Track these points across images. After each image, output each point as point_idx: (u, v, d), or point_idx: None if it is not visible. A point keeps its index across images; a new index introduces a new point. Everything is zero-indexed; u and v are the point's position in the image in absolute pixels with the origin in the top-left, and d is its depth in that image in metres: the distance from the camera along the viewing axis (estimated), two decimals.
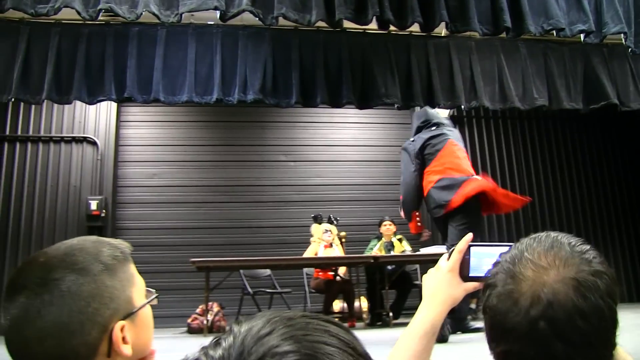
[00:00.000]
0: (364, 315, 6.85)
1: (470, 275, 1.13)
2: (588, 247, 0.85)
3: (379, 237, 7.10)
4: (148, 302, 0.99)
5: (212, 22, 5.99)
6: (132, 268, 0.99)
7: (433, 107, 7.05)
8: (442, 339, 3.86)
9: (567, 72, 7.26)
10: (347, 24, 5.93)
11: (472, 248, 1.13)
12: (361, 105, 6.66)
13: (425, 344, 1.09)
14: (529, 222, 9.13)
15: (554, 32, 6.28)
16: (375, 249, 6.80)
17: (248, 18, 5.61)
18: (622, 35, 6.41)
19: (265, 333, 0.54)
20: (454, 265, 1.14)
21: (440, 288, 1.14)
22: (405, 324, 1.22)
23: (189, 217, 8.15)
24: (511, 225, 9.06)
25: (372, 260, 6.17)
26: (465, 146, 9.16)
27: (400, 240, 6.95)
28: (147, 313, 0.99)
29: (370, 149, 9.06)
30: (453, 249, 1.16)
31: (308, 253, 6.65)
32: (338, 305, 7.01)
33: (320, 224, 6.89)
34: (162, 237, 7.94)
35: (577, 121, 9.47)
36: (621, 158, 9.81)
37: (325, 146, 8.94)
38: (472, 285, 1.13)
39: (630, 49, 6.39)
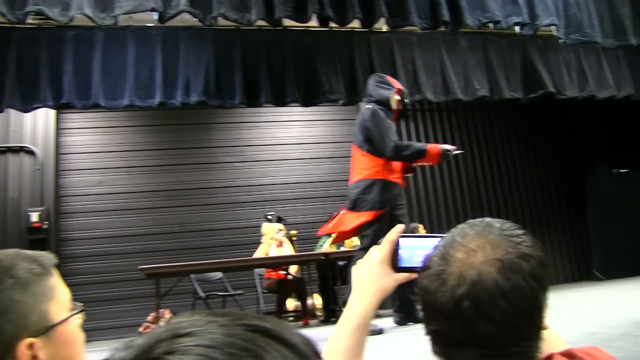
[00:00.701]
0: (318, 313, 6.86)
1: (400, 265, 1.12)
2: (519, 231, 0.87)
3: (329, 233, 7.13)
4: (69, 317, 0.94)
5: (151, 24, 5.85)
6: (53, 281, 0.94)
7: None
8: (378, 331, 3.79)
9: (506, 63, 7.47)
10: (291, 22, 5.93)
11: (401, 239, 1.13)
12: (306, 103, 6.67)
13: (358, 337, 1.08)
14: (476, 211, 9.33)
15: (491, 24, 6.45)
16: (326, 246, 6.81)
17: (188, 19, 5.52)
18: (553, 27, 6.64)
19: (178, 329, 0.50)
20: (384, 256, 1.13)
21: (370, 279, 1.13)
22: None
23: (137, 224, 7.96)
24: (459, 213, 9.24)
25: (322, 257, 6.17)
26: (410, 138, 9.35)
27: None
28: (69, 328, 0.94)
29: (316, 147, 9.06)
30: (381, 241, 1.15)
31: (258, 253, 6.61)
32: (292, 303, 6.99)
33: (271, 223, 6.85)
34: (109, 245, 7.72)
35: (517, 111, 9.72)
36: (559, 146, 10.13)
37: (272, 145, 8.88)
38: (403, 276, 1.12)
39: (561, 40, 6.62)
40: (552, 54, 7.70)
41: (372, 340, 3.65)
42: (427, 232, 7.60)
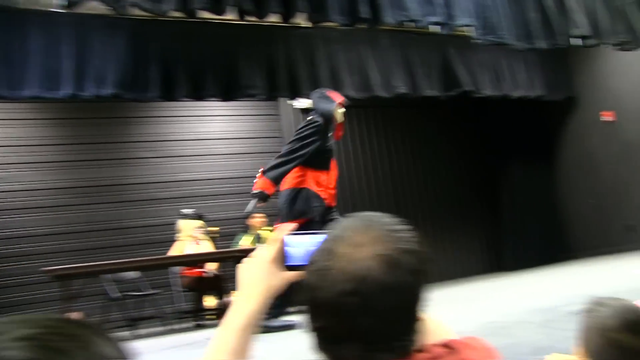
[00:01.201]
0: None
1: (289, 264, 1.10)
2: (404, 227, 0.87)
3: (246, 230, 7.05)
4: None
5: (57, 10, 5.52)
6: None
7: (296, 97, 7.09)
8: (290, 326, 3.71)
9: (426, 62, 7.61)
10: (210, 15, 5.78)
11: (290, 237, 1.11)
12: (225, 98, 6.57)
13: (244, 338, 1.03)
14: (392, 206, 9.50)
15: (410, 23, 6.54)
16: (243, 243, 6.72)
17: (102, 7, 5.25)
18: (470, 27, 6.82)
19: None
20: (272, 254, 1.09)
21: (258, 278, 1.09)
22: None
23: (45, 223, 7.53)
24: (376, 208, 9.30)
25: (239, 254, 6.07)
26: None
27: (271, 231, 6.92)
28: None
29: (238, 142, 8.91)
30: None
31: (174, 251, 6.43)
32: (211, 301, 6.85)
33: (187, 220, 6.69)
34: (13, 247, 7.30)
35: (435, 109, 9.95)
36: (474, 142, 10.45)
37: (192, 140, 8.66)
38: (292, 275, 1.09)
39: (477, 40, 6.81)
40: (470, 54, 7.93)
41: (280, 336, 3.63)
42: None
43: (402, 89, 7.27)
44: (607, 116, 8.55)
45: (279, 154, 4.14)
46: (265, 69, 6.62)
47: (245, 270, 1.11)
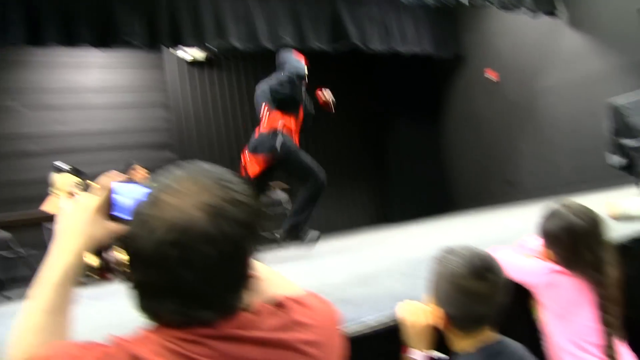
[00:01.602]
0: (119, 268, 6.47)
1: (114, 213, 1.01)
2: (234, 178, 0.86)
3: None
4: None
5: None
6: None
7: (178, 46, 6.75)
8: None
9: (314, 14, 7.44)
10: None
11: (118, 185, 1.02)
12: (100, 45, 6.06)
13: (61, 295, 0.93)
14: None
15: None
16: None
17: None
18: None
19: None
20: (97, 203, 1.00)
21: (78, 227, 0.99)
22: None
23: None
24: None
25: None
26: (224, 89, 9.14)
27: None
28: None
29: (118, 93, 8.41)
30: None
31: (47, 207, 5.98)
32: (92, 259, 6.48)
33: (62, 173, 6.22)
34: None
35: (324, 62, 9.88)
36: (363, 97, 10.55)
37: (67, 89, 8.04)
38: (117, 227, 1.00)
39: None
40: (359, 7, 7.85)
41: None
42: None
43: (288, 40, 7.08)
44: (491, 75, 8.86)
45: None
46: (145, 15, 6.18)
47: (65, 219, 1.00)
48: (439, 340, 1.48)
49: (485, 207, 8.69)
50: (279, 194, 8.02)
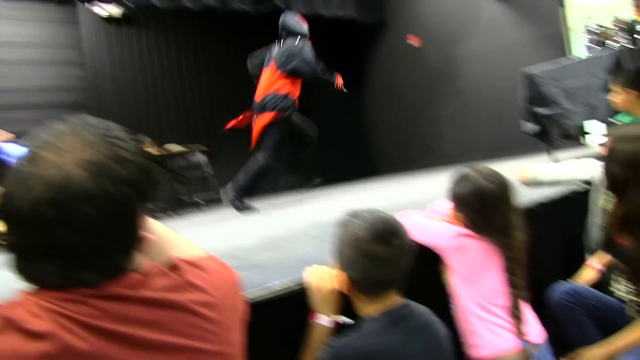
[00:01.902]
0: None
1: None
2: (123, 134, 0.82)
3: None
4: None
5: None
6: None
7: (92, 1, 6.40)
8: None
9: None
10: None
11: (4, 145, 0.90)
12: None
13: None
14: (204, 123, 9.26)
15: None
16: None
17: None
18: None
19: None
20: None
21: None
22: None
23: None
24: (189, 126, 9.06)
25: None
26: (142, 47, 8.75)
27: None
28: None
29: (28, 49, 7.85)
30: None
31: None
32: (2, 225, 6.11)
33: None
34: None
35: (248, 25, 9.67)
36: None
37: None
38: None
39: None
40: None
41: None
42: (156, 146, 7.27)
43: (211, 1, 6.82)
44: (414, 40, 8.91)
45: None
46: None
47: None
48: (346, 305, 1.45)
49: (406, 172, 8.85)
50: (199, 157, 7.82)
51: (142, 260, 0.86)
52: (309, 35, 5.37)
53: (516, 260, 1.63)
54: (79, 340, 0.72)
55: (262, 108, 4.94)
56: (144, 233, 0.84)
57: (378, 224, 1.36)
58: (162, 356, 0.78)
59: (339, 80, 5.75)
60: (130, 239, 0.81)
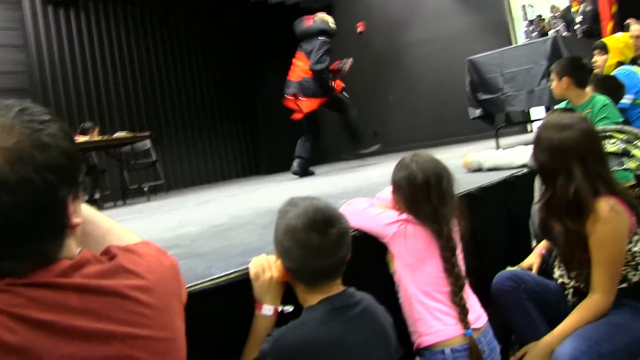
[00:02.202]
0: None
1: None
2: (45, 117, 0.78)
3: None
4: None
5: None
6: None
7: None
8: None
9: None
10: None
11: None
12: None
13: None
14: (151, 110, 9.07)
15: None
16: None
17: None
18: None
19: None
20: None
21: None
22: None
23: None
24: (132, 110, 8.87)
25: None
26: (81, 31, 8.46)
27: None
28: None
29: None
30: None
31: None
32: None
33: None
34: None
35: (194, 8, 9.51)
36: (232, 44, 10.32)
37: None
38: None
39: None
40: None
41: None
42: (100, 132, 7.13)
43: None
44: (358, 26, 8.93)
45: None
46: None
47: None
48: (291, 294, 1.43)
49: (355, 158, 8.88)
50: (145, 143, 7.66)
51: (74, 248, 0.83)
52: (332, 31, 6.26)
53: (449, 247, 1.64)
54: (6, 332, 0.69)
55: (305, 92, 5.85)
56: (74, 220, 0.81)
57: (313, 213, 1.34)
58: (97, 344, 0.75)
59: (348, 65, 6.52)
60: (57, 226, 0.79)
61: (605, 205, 1.64)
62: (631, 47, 4.51)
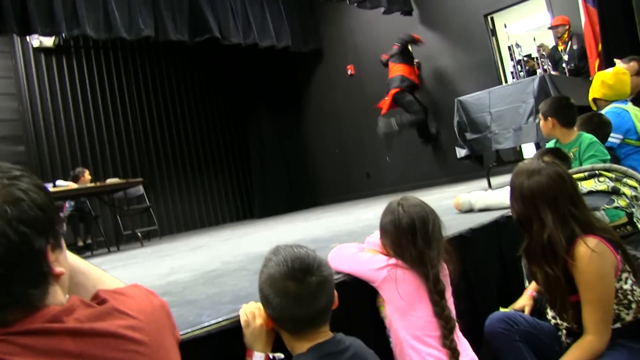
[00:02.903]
0: None
1: None
2: (17, 172, 0.81)
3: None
4: None
5: None
6: None
7: (28, 33, 6.24)
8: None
9: (174, 4, 7.16)
10: None
11: None
12: None
13: None
14: (143, 155, 9.10)
15: None
16: None
17: None
18: None
19: None
20: None
21: None
22: None
23: None
24: (125, 155, 8.90)
25: None
26: (73, 79, 8.56)
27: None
28: None
29: None
30: None
31: None
32: None
33: None
34: None
35: (184, 53, 9.65)
36: (224, 90, 10.46)
37: None
38: None
39: None
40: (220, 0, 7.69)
41: None
42: (91, 175, 7.16)
43: (146, 31, 6.75)
44: (350, 70, 9.11)
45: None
46: None
47: None
48: (281, 341, 1.42)
49: (346, 200, 8.91)
50: (138, 189, 7.68)
51: (60, 295, 0.85)
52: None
53: (437, 290, 1.64)
54: None
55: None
56: (57, 269, 0.83)
57: (291, 262, 1.34)
58: None
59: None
60: (37, 275, 0.80)
61: (584, 248, 1.64)
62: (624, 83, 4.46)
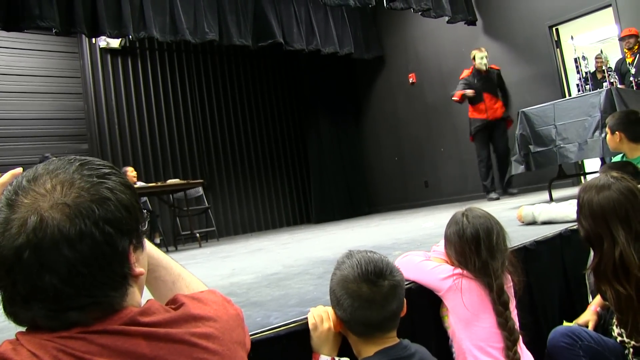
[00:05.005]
0: None
1: None
2: (106, 170, 0.81)
3: None
4: None
5: None
6: None
7: (97, 35, 6.47)
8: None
9: (238, 9, 7.32)
10: None
11: None
12: (8, 27, 5.69)
13: None
14: (203, 157, 9.30)
15: None
16: None
17: None
18: None
19: None
20: None
21: None
22: None
23: None
24: (186, 160, 9.11)
25: None
26: (138, 80, 8.86)
27: None
28: None
29: (30, 80, 7.95)
30: None
31: None
32: None
33: None
34: None
35: (247, 58, 9.82)
36: (285, 95, 10.58)
37: None
38: None
39: None
40: (284, 5, 7.81)
41: None
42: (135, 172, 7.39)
43: (211, 35, 6.94)
44: (412, 78, 9.08)
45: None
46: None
47: None
48: (348, 346, 1.45)
49: (404, 208, 8.86)
50: (197, 190, 7.87)
51: (138, 296, 0.86)
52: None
53: (501, 301, 1.64)
54: None
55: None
56: (137, 269, 0.83)
57: (365, 264, 1.38)
58: None
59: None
60: (119, 276, 0.80)
61: None
62: None
